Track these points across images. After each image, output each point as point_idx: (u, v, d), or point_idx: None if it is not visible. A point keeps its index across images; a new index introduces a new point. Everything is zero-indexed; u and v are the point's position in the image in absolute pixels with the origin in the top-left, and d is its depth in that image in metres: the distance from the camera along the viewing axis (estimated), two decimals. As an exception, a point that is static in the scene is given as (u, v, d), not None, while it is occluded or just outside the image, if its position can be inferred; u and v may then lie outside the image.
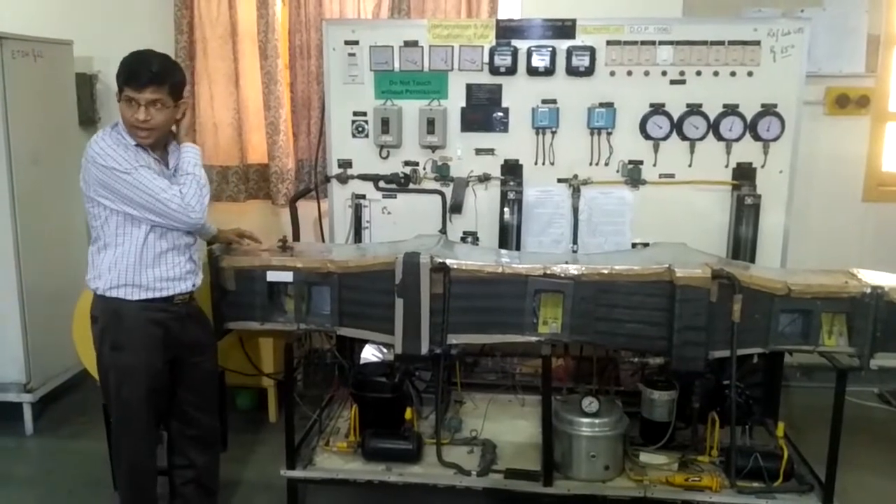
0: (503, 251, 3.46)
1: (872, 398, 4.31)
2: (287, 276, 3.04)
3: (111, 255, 2.61)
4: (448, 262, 2.92)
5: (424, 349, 2.92)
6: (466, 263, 2.95)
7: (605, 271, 2.89)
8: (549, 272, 2.92)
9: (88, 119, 4.70)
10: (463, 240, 3.63)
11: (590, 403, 2.99)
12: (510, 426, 3.47)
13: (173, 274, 2.66)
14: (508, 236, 3.53)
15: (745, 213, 3.43)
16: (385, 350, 3.56)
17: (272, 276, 3.05)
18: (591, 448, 2.97)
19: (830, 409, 2.84)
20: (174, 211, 2.57)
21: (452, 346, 3.00)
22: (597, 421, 2.98)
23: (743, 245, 3.45)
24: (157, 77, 2.53)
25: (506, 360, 3.99)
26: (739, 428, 3.13)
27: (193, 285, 2.75)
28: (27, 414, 3.96)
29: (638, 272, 2.86)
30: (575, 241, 3.56)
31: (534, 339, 2.97)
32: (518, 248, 3.54)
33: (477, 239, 3.64)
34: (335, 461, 3.16)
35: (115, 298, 2.61)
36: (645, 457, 3.11)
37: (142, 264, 2.61)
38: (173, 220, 2.60)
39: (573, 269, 2.89)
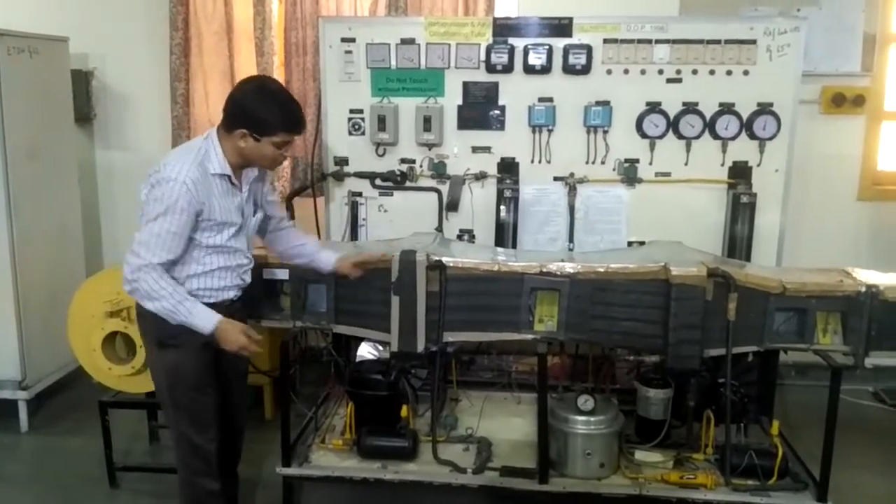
0: (499, 249, 3.46)
1: (867, 396, 4.32)
2: (283, 274, 3.04)
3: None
4: (444, 259, 2.92)
5: (420, 347, 2.92)
6: (462, 261, 2.95)
7: (601, 269, 2.89)
8: (545, 270, 2.92)
9: (84, 116, 4.69)
10: (459, 238, 3.63)
11: (585, 401, 2.99)
12: (506, 424, 3.47)
13: (218, 285, 2.62)
14: (505, 234, 3.54)
15: (741, 211, 3.44)
16: (381, 348, 3.56)
17: (268, 274, 3.05)
18: (586, 446, 2.98)
19: (825, 407, 2.84)
20: (127, 267, 2.44)
21: (448, 343, 3.00)
22: (592, 419, 2.99)
23: (738, 244, 3.46)
24: None
25: (502, 358, 3.98)
26: (734, 426, 3.13)
27: (236, 296, 2.69)
28: (22, 411, 3.96)
29: (634, 270, 2.87)
30: (571, 240, 3.57)
31: (529, 336, 2.97)
32: (514, 246, 3.54)
33: (473, 237, 3.65)
34: (331, 458, 3.16)
35: None
36: (640, 454, 3.11)
37: (189, 276, 2.55)
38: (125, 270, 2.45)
39: (569, 268, 2.89)
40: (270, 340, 3.78)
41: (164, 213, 2.39)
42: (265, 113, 2.45)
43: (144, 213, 2.46)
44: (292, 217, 3.76)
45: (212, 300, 2.57)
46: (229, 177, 2.53)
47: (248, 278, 2.72)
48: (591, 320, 2.93)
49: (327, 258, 2.90)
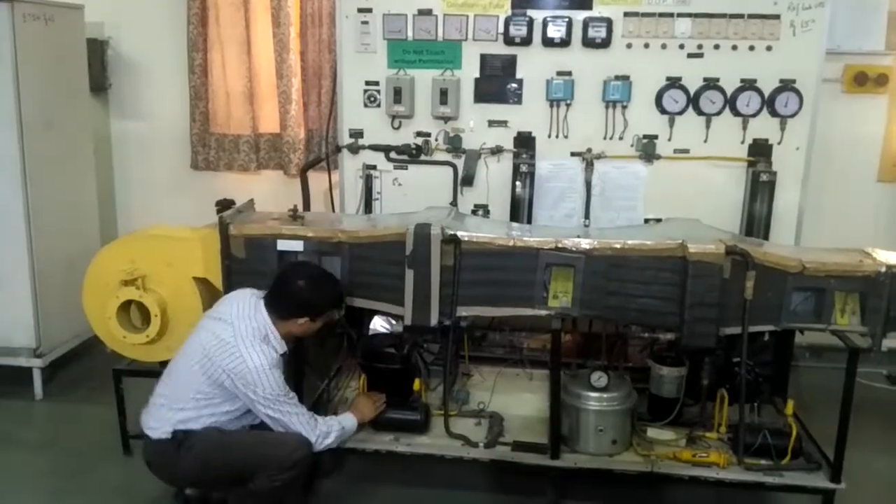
0: (514, 224, 3.43)
1: (880, 379, 4.28)
2: (297, 246, 3.03)
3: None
4: (459, 234, 2.90)
5: (434, 321, 2.92)
6: (477, 236, 2.93)
7: (618, 246, 2.86)
8: (560, 246, 2.90)
9: (99, 86, 4.69)
10: (474, 212, 3.61)
11: (599, 378, 2.98)
12: (518, 399, 3.47)
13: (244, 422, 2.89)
14: (520, 210, 3.51)
15: (760, 189, 3.39)
16: (394, 321, 3.55)
17: (283, 245, 3.04)
18: (599, 422, 2.97)
19: (839, 389, 2.81)
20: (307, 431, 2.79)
21: (462, 318, 2.99)
22: (605, 395, 2.97)
23: (757, 222, 3.42)
24: None
25: (514, 334, 3.97)
26: (748, 405, 3.11)
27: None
28: (37, 378, 3.99)
29: (650, 247, 2.84)
30: (587, 216, 3.53)
31: (544, 312, 2.95)
32: (530, 221, 3.51)
33: (488, 212, 3.62)
34: (343, 430, 3.16)
35: None
36: (652, 432, 3.10)
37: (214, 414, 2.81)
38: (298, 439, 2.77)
39: (585, 243, 2.87)
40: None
41: (274, 391, 2.71)
42: (322, 300, 2.83)
43: (255, 397, 2.71)
44: (306, 190, 3.76)
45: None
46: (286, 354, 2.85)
47: None
48: (607, 297, 2.91)
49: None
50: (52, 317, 4.01)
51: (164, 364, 2.95)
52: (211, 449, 2.73)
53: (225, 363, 2.68)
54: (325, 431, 2.81)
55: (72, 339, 4.16)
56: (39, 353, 3.97)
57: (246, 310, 2.78)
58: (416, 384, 3.17)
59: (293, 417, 2.76)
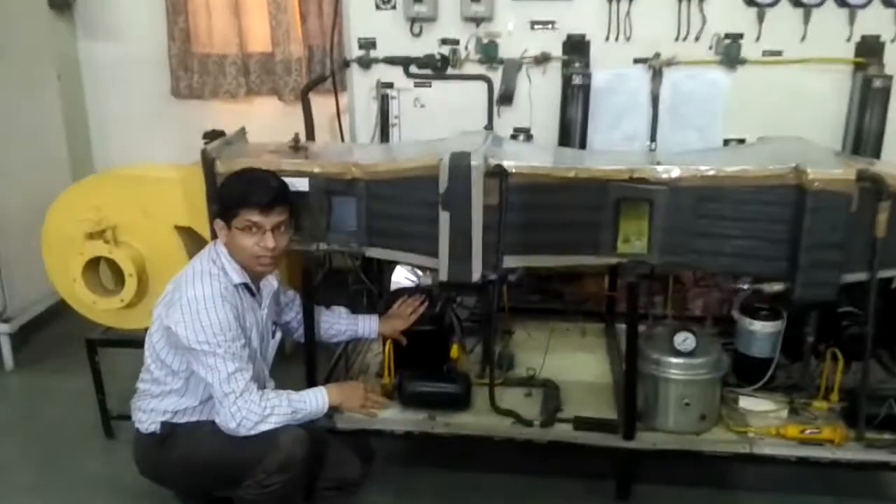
0: (567, 150, 2.80)
1: None
2: (302, 184, 2.39)
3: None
4: (505, 163, 2.27)
5: (476, 275, 2.32)
6: (529, 165, 2.31)
7: (711, 174, 2.24)
8: (636, 176, 2.28)
9: (61, 1, 4.00)
10: (513, 137, 2.96)
11: (684, 340, 2.39)
12: (571, 361, 2.92)
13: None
14: (571, 132, 2.85)
15: (871, 98, 2.73)
16: (420, 273, 2.97)
17: (283, 185, 2.42)
18: (684, 394, 2.40)
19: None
20: (225, 411, 2.12)
21: (510, 270, 2.40)
22: (693, 361, 2.40)
23: (865, 138, 2.77)
24: (281, 194, 2.21)
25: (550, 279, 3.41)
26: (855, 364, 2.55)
27: None
28: (6, 347, 3.48)
29: (755, 174, 2.22)
30: (653, 138, 2.88)
31: (614, 261, 2.36)
32: (583, 146, 2.87)
33: (530, 136, 2.97)
34: (366, 407, 2.61)
35: None
36: (746, 402, 2.54)
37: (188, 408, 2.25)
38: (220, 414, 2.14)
39: (671, 172, 2.25)
40: (289, 263, 3.21)
41: (212, 332, 2.08)
42: (226, 191, 2.22)
43: (184, 350, 2.13)
44: (309, 116, 3.11)
45: None
46: (249, 286, 2.24)
47: None
48: (694, 239, 2.31)
49: (369, 327, 2.65)
50: (18, 275, 3.44)
51: (146, 330, 2.38)
52: (192, 448, 2.19)
53: (171, 316, 2.12)
54: (259, 411, 2.10)
55: (44, 300, 3.58)
56: (6, 317, 3.43)
57: (197, 258, 2.26)
58: (455, 350, 2.62)
59: (213, 374, 2.09)
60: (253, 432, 2.10)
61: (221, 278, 2.16)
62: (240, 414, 2.09)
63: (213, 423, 2.16)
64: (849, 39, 2.77)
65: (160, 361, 2.20)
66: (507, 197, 2.29)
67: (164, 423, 2.20)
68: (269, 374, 2.38)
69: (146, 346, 2.23)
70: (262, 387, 2.21)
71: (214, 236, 2.29)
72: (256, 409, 2.10)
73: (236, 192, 2.18)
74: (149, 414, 2.23)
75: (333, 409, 2.32)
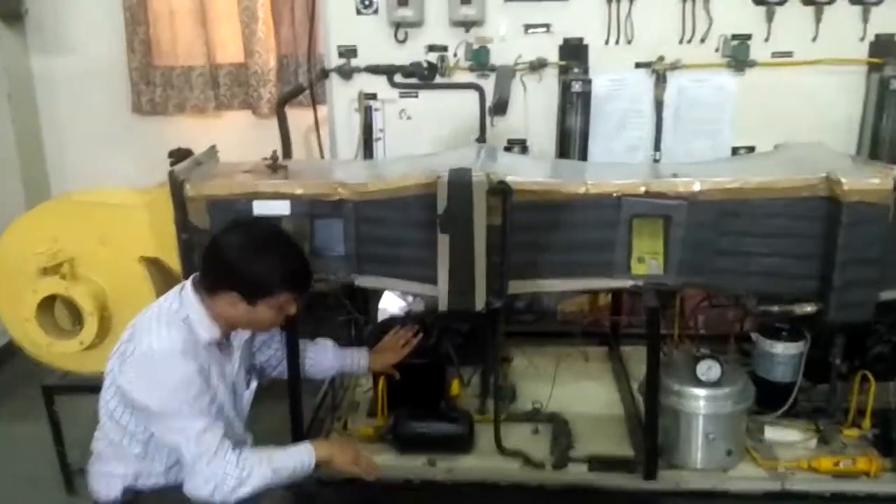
0: (566, 162, 2.61)
1: None
2: (282, 207, 2.16)
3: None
4: (508, 179, 2.06)
5: (480, 303, 2.09)
6: (535, 181, 2.10)
7: (735, 186, 2.05)
8: (651, 190, 2.08)
9: (12, 11, 3.85)
10: (507, 150, 2.76)
11: (709, 368, 2.19)
12: (576, 391, 2.69)
13: None
14: (570, 142, 2.67)
15: (888, 100, 2.59)
16: (410, 298, 2.74)
17: (261, 208, 2.17)
18: (709, 428, 2.20)
19: None
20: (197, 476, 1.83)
21: (515, 297, 2.18)
22: (718, 392, 2.19)
23: (883, 143, 2.63)
24: None
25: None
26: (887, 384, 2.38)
27: None
28: (-45, 390, 3.15)
29: (783, 185, 2.04)
30: (657, 147, 2.71)
31: (628, 283, 2.16)
32: (584, 158, 2.68)
33: (526, 148, 2.78)
34: (359, 452, 2.36)
35: None
36: (772, 432, 2.35)
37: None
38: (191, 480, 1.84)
39: (691, 185, 2.05)
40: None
41: (172, 390, 1.80)
42: (262, 273, 1.87)
43: (143, 413, 1.85)
44: (285, 131, 2.87)
45: None
46: (219, 342, 1.96)
47: None
48: (716, 258, 2.12)
49: (358, 362, 2.38)
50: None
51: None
52: None
53: (124, 373, 1.83)
54: (237, 473, 1.81)
55: (-2, 337, 3.28)
56: (-46, 357, 3.12)
57: (162, 298, 1.96)
58: (455, 386, 2.39)
59: (179, 436, 1.81)
60: (231, 499, 1.82)
61: (185, 332, 1.87)
62: (215, 478, 1.79)
63: (181, 488, 1.88)
64: (862, 38, 2.64)
65: (115, 422, 1.91)
66: (511, 216, 2.07)
67: (125, 490, 1.92)
68: (246, 428, 2.11)
69: (100, 403, 1.94)
70: (238, 444, 1.92)
71: (187, 270, 2.03)
72: (233, 471, 1.80)
73: (295, 276, 1.93)
74: (107, 479, 1.93)
75: (322, 464, 2.04)
